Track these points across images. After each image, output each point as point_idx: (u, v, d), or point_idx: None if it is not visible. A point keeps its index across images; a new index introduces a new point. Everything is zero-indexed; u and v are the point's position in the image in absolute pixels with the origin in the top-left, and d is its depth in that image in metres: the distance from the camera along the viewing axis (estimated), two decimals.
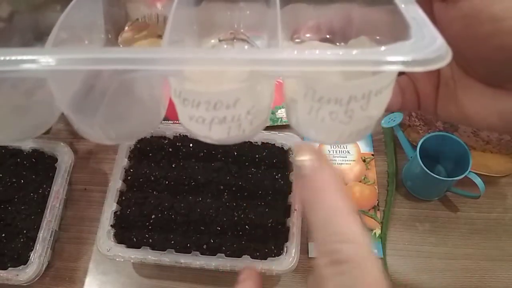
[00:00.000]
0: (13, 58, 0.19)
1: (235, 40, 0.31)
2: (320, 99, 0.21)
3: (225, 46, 0.31)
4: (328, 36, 0.30)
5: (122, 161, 0.53)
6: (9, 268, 0.48)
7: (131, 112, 0.26)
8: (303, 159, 0.21)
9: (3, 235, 0.51)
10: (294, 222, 0.48)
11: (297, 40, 0.29)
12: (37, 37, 0.36)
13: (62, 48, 0.22)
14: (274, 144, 0.55)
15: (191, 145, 0.54)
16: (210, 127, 0.23)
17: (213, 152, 0.54)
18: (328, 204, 0.19)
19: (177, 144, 0.55)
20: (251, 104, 0.22)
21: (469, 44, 0.23)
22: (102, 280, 0.52)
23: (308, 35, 0.30)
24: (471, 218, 0.55)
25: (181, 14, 0.26)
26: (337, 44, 0.29)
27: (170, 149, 0.55)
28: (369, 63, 0.18)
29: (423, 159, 0.50)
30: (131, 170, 0.53)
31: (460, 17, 0.22)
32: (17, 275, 0.47)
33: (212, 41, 0.31)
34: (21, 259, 0.49)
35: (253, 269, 0.27)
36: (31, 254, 0.48)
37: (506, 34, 0.20)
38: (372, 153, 0.59)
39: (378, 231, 0.53)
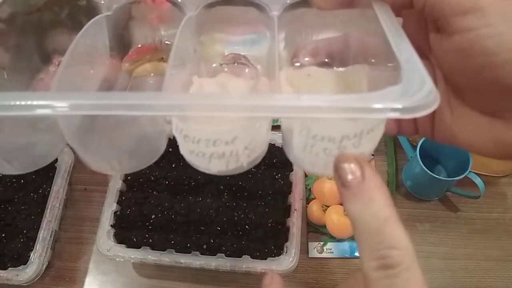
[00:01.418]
0: (27, 103, 0.20)
1: (236, 64, 0.32)
2: (314, 137, 0.22)
3: (226, 70, 0.32)
4: (326, 60, 0.31)
5: None
6: (9, 268, 0.48)
7: (134, 142, 0.28)
8: (348, 170, 0.21)
9: (3, 235, 0.51)
10: (294, 222, 0.48)
11: (296, 64, 0.31)
12: (43, 58, 0.40)
13: (71, 93, 0.23)
14: (274, 144, 0.55)
15: None
16: (210, 160, 0.25)
17: None
18: (377, 214, 0.20)
19: (177, 144, 0.55)
20: (249, 140, 0.24)
21: (464, 75, 0.23)
22: (102, 280, 0.52)
23: (307, 58, 0.31)
24: (471, 218, 0.55)
25: (183, 41, 0.27)
26: (335, 68, 0.31)
27: (170, 149, 0.54)
28: (358, 110, 0.20)
29: (423, 159, 0.50)
30: None
31: (454, 50, 0.22)
32: (17, 275, 0.47)
33: (214, 65, 0.32)
34: (21, 259, 0.49)
35: (275, 273, 0.28)
36: (31, 254, 0.48)
37: (499, 67, 0.21)
38: (372, 153, 0.59)
39: None
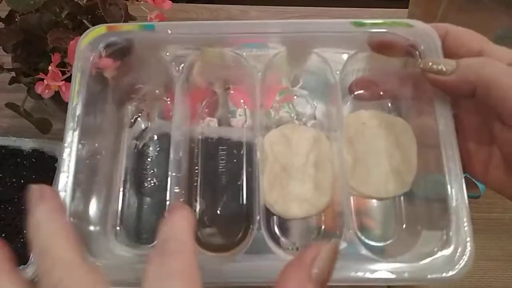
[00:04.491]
0: None
1: (295, 97, 0.40)
2: None
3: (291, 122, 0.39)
4: (381, 93, 0.37)
5: None
6: None
7: None
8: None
9: (3, 235, 0.51)
10: None
11: (354, 94, 0.37)
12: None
13: None
14: None
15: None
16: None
17: (213, 152, 0.54)
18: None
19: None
20: None
21: None
22: None
23: (363, 91, 0.37)
24: (471, 218, 0.54)
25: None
26: (389, 104, 0.37)
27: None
28: (414, 279, 0.27)
29: None
30: None
31: None
32: None
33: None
34: (21, 259, 0.49)
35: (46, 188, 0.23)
36: (31, 254, 0.48)
37: None
38: None
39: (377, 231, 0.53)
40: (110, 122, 0.38)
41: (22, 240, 0.50)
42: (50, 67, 0.43)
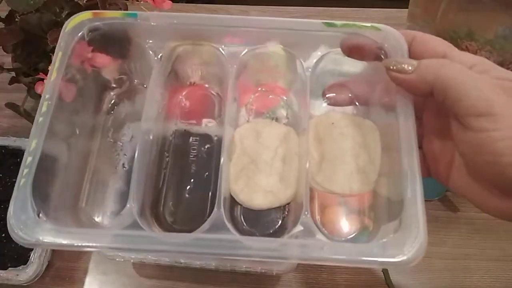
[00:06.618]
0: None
1: (270, 96, 0.40)
2: None
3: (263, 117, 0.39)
4: (351, 97, 0.37)
5: None
6: (9, 268, 0.48)
7: None
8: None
9: (3, 235, 0.51)
10: None
11: (327, 96, 0.37)
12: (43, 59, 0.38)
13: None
14: None
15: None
16: None
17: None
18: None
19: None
20: None
21: (474, 163, 0.26)
22: (102, 280, 0.52)
23: (334, 94, 0.37)
24: (471, 218, 0.54)
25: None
26: (359, 107, 0.37)
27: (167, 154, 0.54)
28: (362, 262, 0.27)
29: None
30: None
31: (468, 142, 0.26)
32: (17, 275, 0.47)
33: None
34: (21, 259, 0.49)
35: None
36: (31, 254, 0.48)
37: (506, 167, 0.24)
38: None
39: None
40: (87, 106, 0.39)
41: None
42: (50, 67, 0.43)
